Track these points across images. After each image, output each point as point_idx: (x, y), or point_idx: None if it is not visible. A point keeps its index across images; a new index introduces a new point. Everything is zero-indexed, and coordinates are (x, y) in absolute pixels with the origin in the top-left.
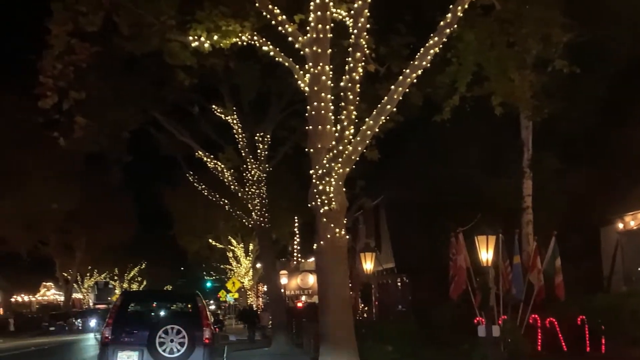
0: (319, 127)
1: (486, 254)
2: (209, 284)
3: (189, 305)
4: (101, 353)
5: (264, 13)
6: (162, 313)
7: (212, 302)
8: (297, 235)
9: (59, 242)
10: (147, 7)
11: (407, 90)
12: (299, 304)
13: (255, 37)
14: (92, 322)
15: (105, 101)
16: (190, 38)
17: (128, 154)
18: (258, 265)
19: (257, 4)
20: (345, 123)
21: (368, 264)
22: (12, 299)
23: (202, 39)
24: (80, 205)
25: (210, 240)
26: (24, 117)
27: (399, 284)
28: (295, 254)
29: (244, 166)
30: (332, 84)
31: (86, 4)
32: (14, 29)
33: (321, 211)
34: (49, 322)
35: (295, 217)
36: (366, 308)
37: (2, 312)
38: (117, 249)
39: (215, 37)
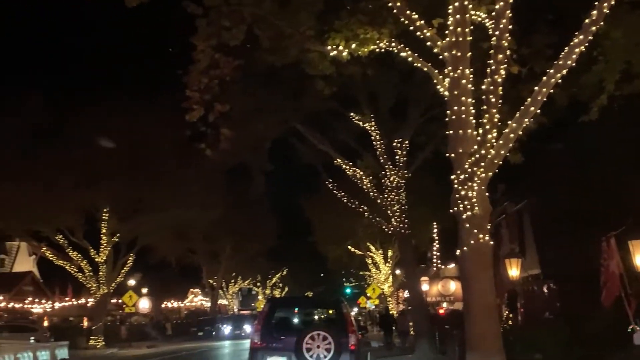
0: (460, 131)
1: None
2: (348, 291)
3: (334, 312)
4: (251, 358)
5: (402, 19)
6: (307, 319)
7: (355, 308)
8: (437, 242)
9: (205, 250)
10: (286, 19)
11: (551, 91)
12: (441, 311)
13: (393, 44)
14: (227, 328)
15: (247, 113)
16: (329, 47)
17: (269, 164)
18: (397, 272)
19: (394, 10)
20: (488, 127)
21: (514, 271)
22: (163, 305)
23: (341, 47)
24: (224, 214)
25: (349, 247)
26: (173, 131)
27: (546, 290)
28: (434, 260)
29: (383, 173)
30: (472, 87)
31: (229, 19)
32: (162, 47)
33: (464, 217)
34: (197, 327)
35: (435, 223)
36: (511, 315)
37: (153, 318)
38: (259, 256)
39: (354, 46)
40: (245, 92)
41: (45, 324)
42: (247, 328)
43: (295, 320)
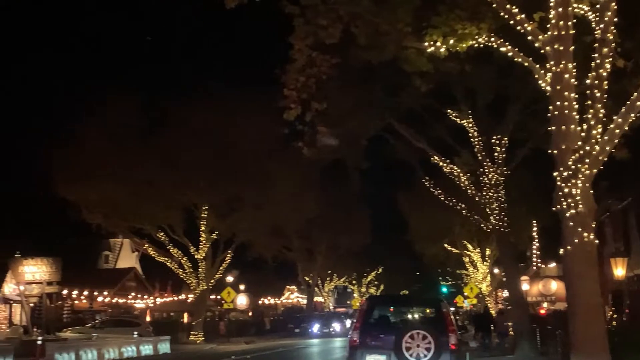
0: (563, 127)
1: None
2: (444, 289)
3: (434, 311)
4: (350, 356)
5: (502, 13)
6: (407, 318)
7: (451, 308)
8: (536, 240)
9: (300, 248)
10: (383, 16)
11: None
12: (542, 311)
13: (492, 39)
14: (315, 327)
15: (344, 110)
16: (426, 44)
17: (365, 161)
18: (496, 271)
19: (494, 5)
20: (592, 122)
21: (619, 270)
22: (259, 302)
23: (438, 43)
24: (320, 211)
25: (445, 245)
26: (270, 129)
27: None
28: (534, 259)
29: (481, 170)
30: (575, 82)
31: (326, 18)
32: (260, 46)
33: (567, 215)
34: (294, 324)
35: (534, 221)
36: (615, 316)
37: (251, 314)
38: (354, 254)
39: (452, 41)
40: (341, 90)
41: (148, 319)
42: (337, 326)
43: (395, 318)
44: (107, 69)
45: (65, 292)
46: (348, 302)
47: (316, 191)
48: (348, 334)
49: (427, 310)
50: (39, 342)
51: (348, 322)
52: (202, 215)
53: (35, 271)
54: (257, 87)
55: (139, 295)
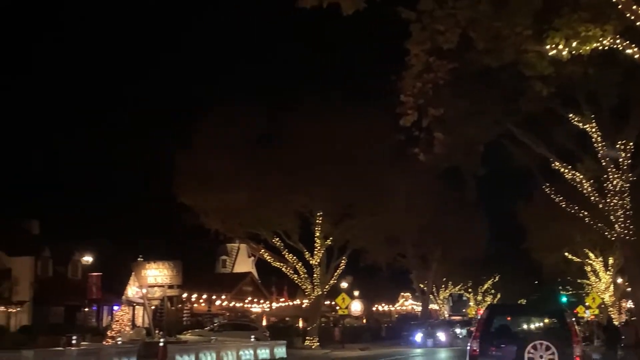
0: None
1: None
2: (564, 299)
3: (557, 321)
4: None
5: (627, 14)
6: (528, 327)
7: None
8: None
9: (415, 255)
10: (503, 20)
11: None
12: None
13: (617, 40)
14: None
15: (461, 116)
16: (548, 47)
17: (482, 167)
18: (619, 280)
19: (619, 6)
20: None
21: None
22: (373, 308)
23: (560, 46)
24: (435, 218)
25: (565, 254)
26: (385, 135)
27: None
28: None
29: (605, 176)
30: None
31: (443, 23)
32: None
33: None
34: (407, 332)
35: None
36: None
37: (365, 320)
38: (470, 261)
39: (574, 44)
40: (458, 95)
41: (264, 323)
42: (441, 336)
43: (516, 328)
44: (227, 78)
45: (185, 295)
46: (464, 310)
47: (432, 198)
48: (454, 344)
49: (549, 321)
50: (161, 344)
51: (459, 331)
52: (317, 221)
53: (157, 274)
54: (372, 94)
55: (255, 300)
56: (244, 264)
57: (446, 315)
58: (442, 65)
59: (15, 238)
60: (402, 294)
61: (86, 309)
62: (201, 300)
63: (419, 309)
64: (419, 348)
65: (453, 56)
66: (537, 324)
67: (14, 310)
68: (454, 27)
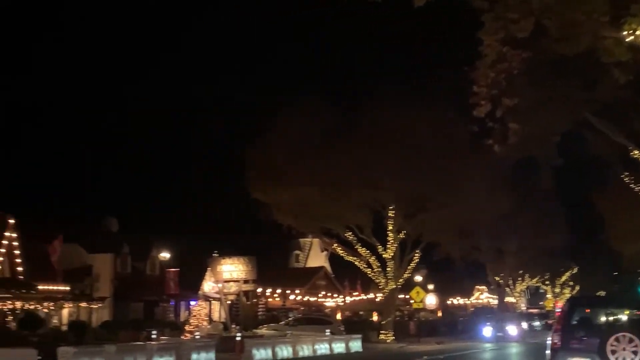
0: None
1: None
2: None
3: (639, 312)
4: (552, 358)
5: None
6: (610, 320)
7: None
8: None
9: (490, 247)
10: (578, 6)
11: None
12: None
13: None
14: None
15: (535, 106)
16: (625, 33)
17: (559, 158)
18: None
19: None
20: None
21: None
22: (448, 301)
23: (638, 32)
24: (510, 210)
25: None
26: (457, 127)
27: None
28: None
29: None
30: None
31: (517, 12)
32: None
33: None
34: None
35: None
36: None
37: (440, 314)
38: (547, 253)
39: None
40: (533, 85)
41: (338, 317)
42: (512, 330)
43: (597, 320)
44: (297, 73)
45: (259, 290)
46: (541, 303)
47: (507, 189)
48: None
49: (631, 312)
50: (238, 338)
51: (536, 323)
52: (390, 215)
53: (232, 270)
54: (443, 85)
55: (329, 294)
56: (317, 259)
57: (523, 308)
58: (516, 55)
59: (96, 235)
60: (477, 287)
61: (164, 304)
62: (276, 295)
63: (495, 302)
64: (488, 343)
65: (527, 45)
66: (618, 316)
67: (96, 306)
68: (527, 15)
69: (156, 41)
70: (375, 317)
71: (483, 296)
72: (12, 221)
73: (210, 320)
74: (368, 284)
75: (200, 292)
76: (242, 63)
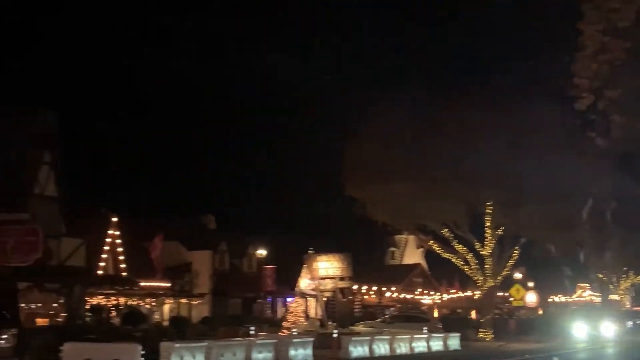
0: None
1: None
2: None
3: None
4: None
5: None
6: None
7: None
8: None
9: (592, 244)
10: None
11: None
12: None
13: None
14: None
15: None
16: None
17: None
18: None
19: None
20: None
21: None
22: (549, 299)
23: None
24: (613, 205)
25: None
26: (555, 120)
27: None
28: None
29: None
30: None
31: (617, 1)
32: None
33: None
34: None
35: None
36: None
37: (540, 312)
38: None
39: None
40: (637, 75)
41: (435, 314)
42: (607, 329)
43: None
44: (386, 69)
45: (355, 287)
46: None
47: (609, 184)
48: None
49: None
50: (335, 335)
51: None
52: (487, 210)
53: (328, 267)
54: (541, 78)
55: (426, 291)
56: (412, 256)
57: (628, 306)
58: (618, 45)
59: (194, 233)
60: (579, 284)
61: (261, 301)
62: (371, 292)
63: (598, 300)
64: (581, 343)
65: (629, 34)
66: None
67: (195, 302)
68: (629, 4)
69: (247, 37)
70: (473, 315)
71: (586, 294)
72: (114, 219)
73: (307, 317)
74: (466, 281)
75: (296, 288)
76: (334, 57)
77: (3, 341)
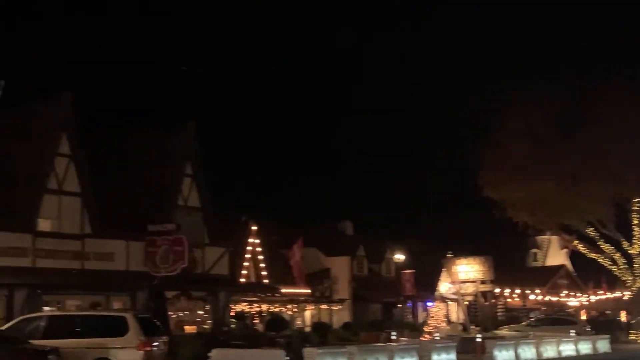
0: None
1: None
2: None
3: None
4: None
5: None
6: None
7: None
8: None
9: None
10: None
11: None
12: None
13: None
14: None
15: None
16: None
17: None
18: None
19: None
20: None
21: None
22: None
23: None
24: None
25: None
26: None
27: None
28: None
29: None
30: None
31: None
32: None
33: None
34: None
35: None
36: None
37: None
38: None
39: None
40: None
41: (583, 317)
42: None
43: None
44: (527, 62)
45: (497, 290)
46: None
47: None
48: None
49: None
50: (479, 339)
51: None
52: (634, 208)
53: (468, 270)
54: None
55: (571, 293)
56: (556, 257)
57: None
58: None
59: (332, 239)
60: None
61: (401, 306)
62: (514, 295)
63: None
64: None
65: None
66: None
67: (336, 308)
68: None
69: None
70: (623, 317)
71: None
72: (254, 227)
73: (448, 321)
74: (614, 282)
75: (436, 293)
76: (463, 57)
77: (155, 348)
